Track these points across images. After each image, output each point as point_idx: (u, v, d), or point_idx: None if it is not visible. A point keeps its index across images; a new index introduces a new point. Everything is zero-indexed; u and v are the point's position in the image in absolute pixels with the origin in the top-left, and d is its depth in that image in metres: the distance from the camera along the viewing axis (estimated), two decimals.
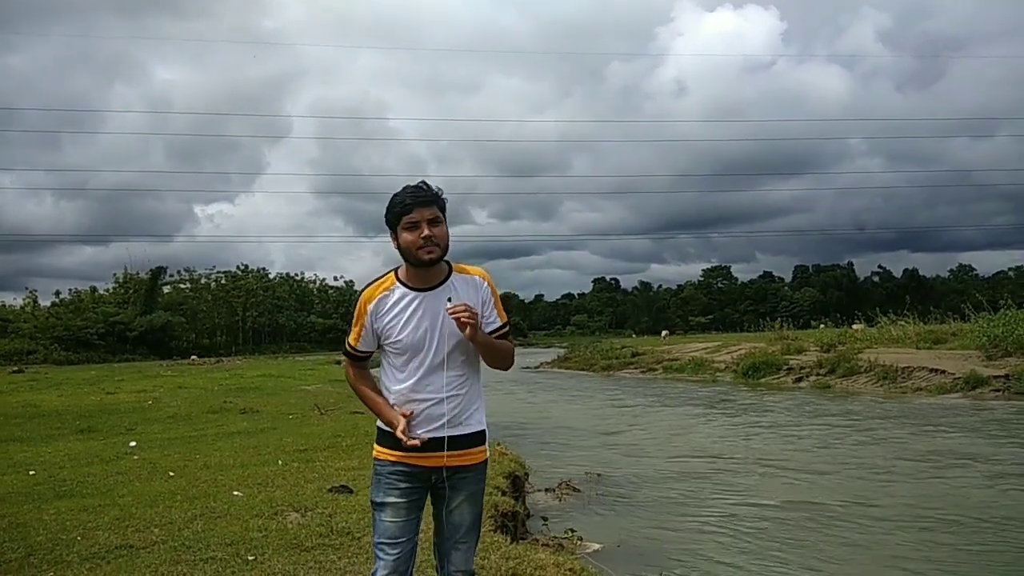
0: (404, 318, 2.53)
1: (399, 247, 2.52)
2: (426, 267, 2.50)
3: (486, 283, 2.62)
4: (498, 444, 8.96)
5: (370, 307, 2.57)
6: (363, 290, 2.62)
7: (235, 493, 6.02)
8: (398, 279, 2.58)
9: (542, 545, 5.20)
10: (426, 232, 2.45)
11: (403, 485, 2.53)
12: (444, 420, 2.53)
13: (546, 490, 7.88)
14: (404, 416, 2.50)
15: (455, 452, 2.54)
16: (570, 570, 4.19)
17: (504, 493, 6.24)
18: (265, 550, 4.44)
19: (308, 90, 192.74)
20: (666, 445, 11.31)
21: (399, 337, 2.53)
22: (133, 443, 9.21)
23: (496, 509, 5.60)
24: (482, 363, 2.66)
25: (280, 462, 7.44)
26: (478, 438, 2.62)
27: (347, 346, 2.67)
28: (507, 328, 2.65)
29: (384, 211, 2.54)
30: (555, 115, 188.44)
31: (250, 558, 4.29)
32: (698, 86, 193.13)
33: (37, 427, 11.25)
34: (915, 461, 9.28)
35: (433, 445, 2.51)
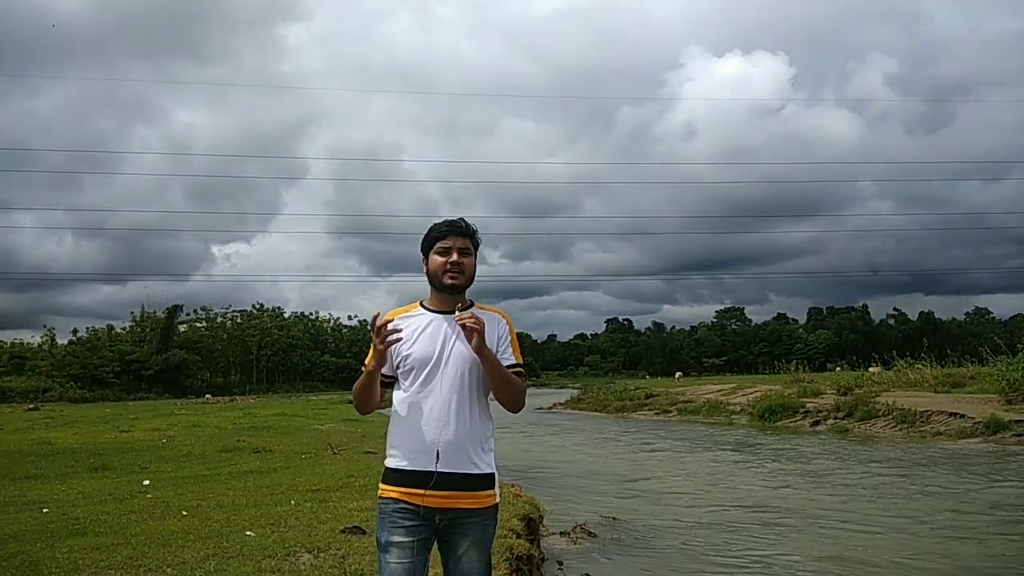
0: (417, 334, 2.58)
1: (427, 272, 2.63)
2: (449, 292, 2.58)
3: (505, 321, 2.66)
4: (512, 485, 8.88)
5: (389, 326, 2.58)
6: (386, 313, 2.68)
7: (248, 533, 5.99)
8: (421, 305, 2.69)
9: None
10: (455, 258, 2.57)
11: (407, 523, 2.48)
12: (441, 451, 2.47)
13: (561, 534, 7.77)
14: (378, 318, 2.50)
15: (453, 492, 2.48)
16: None
17: (519, 536, 6.16)
18: None
19: (324, 132, 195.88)
20: (684, 489, 11.16)
21: (408, 351, 2.55)
22: (147, 482, 9.19)
23: (511, 552, 5.53)
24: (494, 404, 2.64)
25: (293, 502, 7.40)
26: (487, 480, 2.55)
27: (362, 367, 2.64)
28: (520, 368, 2.64)
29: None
30: (566, 157, 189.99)
31: None
32: (708, 130, 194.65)
33: (51, 465, 11.25)
34: (971, 514, 8.86)
35: (441, 482, 2.47)
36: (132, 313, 77.77)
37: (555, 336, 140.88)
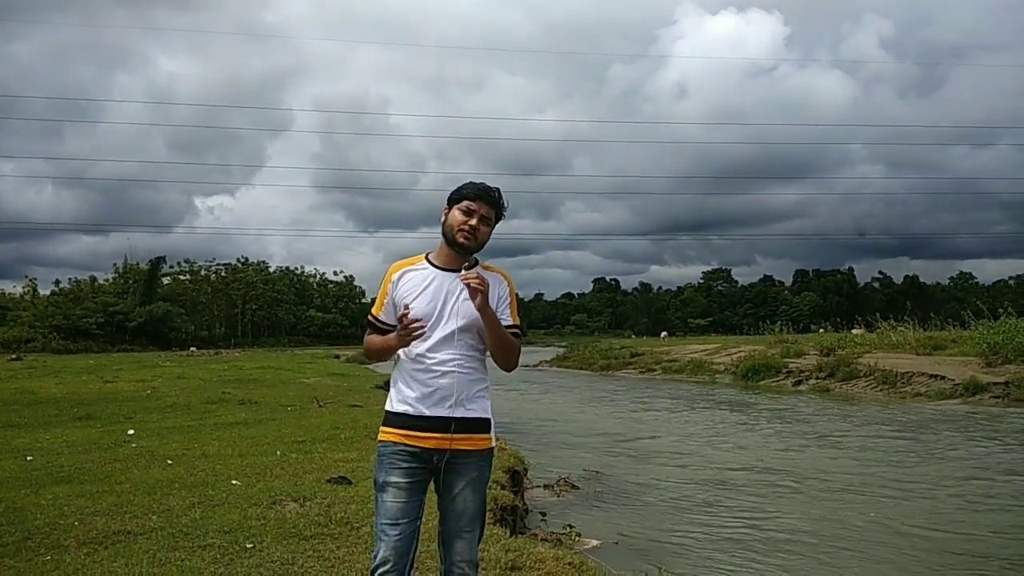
0: (421, 288, 2.66)
1: (444, 221, 2.69)
2: (457, 250, 2.65)
3: (506, 282, 2.76)
4: (497, 439, 8.94)
5: (394, 276, 2.71)
6: (392, 264, 2.77)
7: (233, 482, 6.01)
8: (427, 259, 2.74)
9: (541, 540, 5.19)
10: (474, 222, 2.64)
11: (405, 465, 2.56)
12: (451, 398, 2.58)
13: (544, 486, 7.87)
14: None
15: (460, 435, 2.58)
16: (569, 564, 4.17)
17: (503, 487, 6.22)
18: (263, 538, 4.42)
19: (310, 84, 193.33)
20: (666, 444, 11.30)
21: (413, 305, 2.62)
22: (131, 431, 9.18)
23: (496, 503, 5.58)
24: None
25: (279, 452, 7.43)
26: (483, 424, 2.65)
27: (369, 316, 2.78)
28: (517, 329, 2.72)
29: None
30: (556, 115, 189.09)
31: (248, 546, 4.28)
32: (699, 89, 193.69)
33: (35, 414, 11.22)
34: (952, 478, 9.08)
35: (439, 425, 2.56)
36: (115, 264, 77.13)
37: (542, 295, 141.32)
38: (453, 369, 2.59)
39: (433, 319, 2.61)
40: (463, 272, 2.57)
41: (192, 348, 53.95)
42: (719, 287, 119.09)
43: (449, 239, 2.66)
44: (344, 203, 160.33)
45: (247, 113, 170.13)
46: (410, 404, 2.60)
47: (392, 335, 2.65)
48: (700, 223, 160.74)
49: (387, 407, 2.68)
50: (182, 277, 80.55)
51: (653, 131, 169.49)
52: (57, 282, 74.03)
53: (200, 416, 11.07)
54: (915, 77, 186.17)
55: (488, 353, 2.69)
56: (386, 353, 2.72)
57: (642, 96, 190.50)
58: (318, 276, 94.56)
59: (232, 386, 16.82)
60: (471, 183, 2.71)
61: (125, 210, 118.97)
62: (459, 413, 2.58)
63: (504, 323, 2.66)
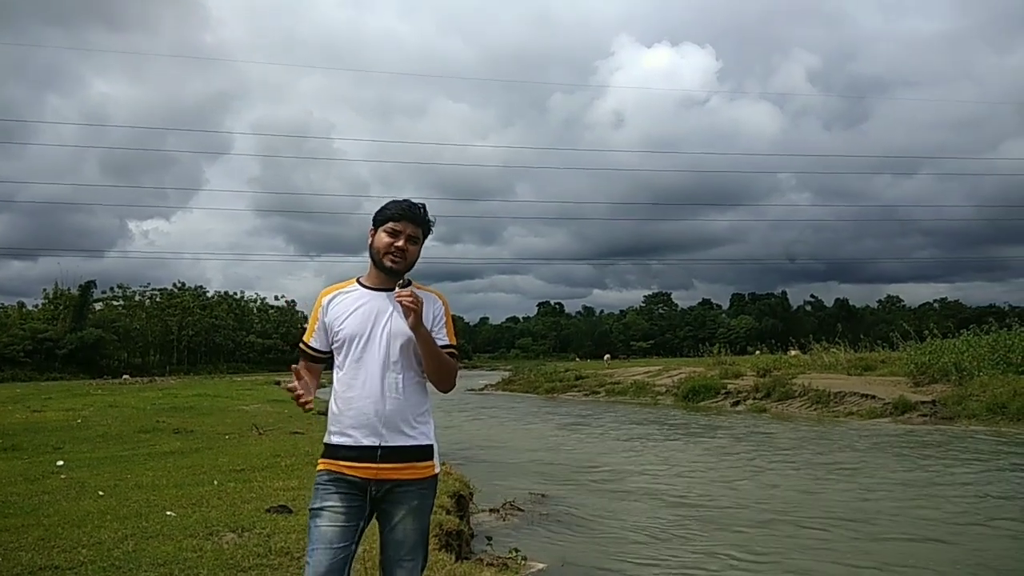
0: (352, 309, 2.61)
1: (371, 245, 2.64)
2: (386, 273, 2.61)
3: (441, 302, 2.69)
4: (443, 463, 8.88)
5: (324, 300, 2.67)
6: (322, 290, 2.73)
7: (168, 513, 5.83)
8: (358, 282, 2.70)
9: (487, 564, 5.16)
10: (400, 243, 2.59)
11: (342, 491, 2.50)
12: (380, 425, 2.51)
13: (490, 510, 7.83)
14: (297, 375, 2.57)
15: (392, 465, 2.51)
16: None
17: (448, 512, 6.19)
18: (199, 570, 4.30)
19: (250, 108, 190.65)
20: (610, 466, 11.38)
21: (344, 326, 2.58)
22: (60, 462, 8.83)
23: (441, 528, 5.55)
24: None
25: (216, 482, 7.24)
26: (423, 452, 2.57)
27: (301, 345, 2.72)
28: (454, 349, 2.68)
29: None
30: (498, 141, 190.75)
31: None
32: (636, 119, 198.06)
33: None
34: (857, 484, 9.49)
35: (367, 455, 2.50)
36: (44, 290, 74.31)
37: (487, 319, 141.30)
38: (388, 394, 2.53)
39: (365, 339, 2.56)
40: (397, 290, 2.52)
41: (125, 376, 52.14)
42: (660, 310, 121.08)
43: (377, 262, 2.62)
44: (284, 227, 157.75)
45: (184, 136, 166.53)
46: (344, 434, 2.53)
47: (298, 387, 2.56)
48: (639, 248, 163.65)
49: (325, 439, 2.61)
50: (115, 303, 78.05)
51: (592, 158, 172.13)
52: None
53: (133, 446, 10.72)
54: (841, 109, 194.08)
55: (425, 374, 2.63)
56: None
57: (582, 124, 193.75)
58: (258, 301, 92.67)
59: (167, 414, 16.34)
60: (394, 202, 2.64)
61: (56, 234, 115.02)
62: (394, 441, 2.52)
63: (440, 343, 2.60)
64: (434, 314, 2.63)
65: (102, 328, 67.98)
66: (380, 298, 2.60)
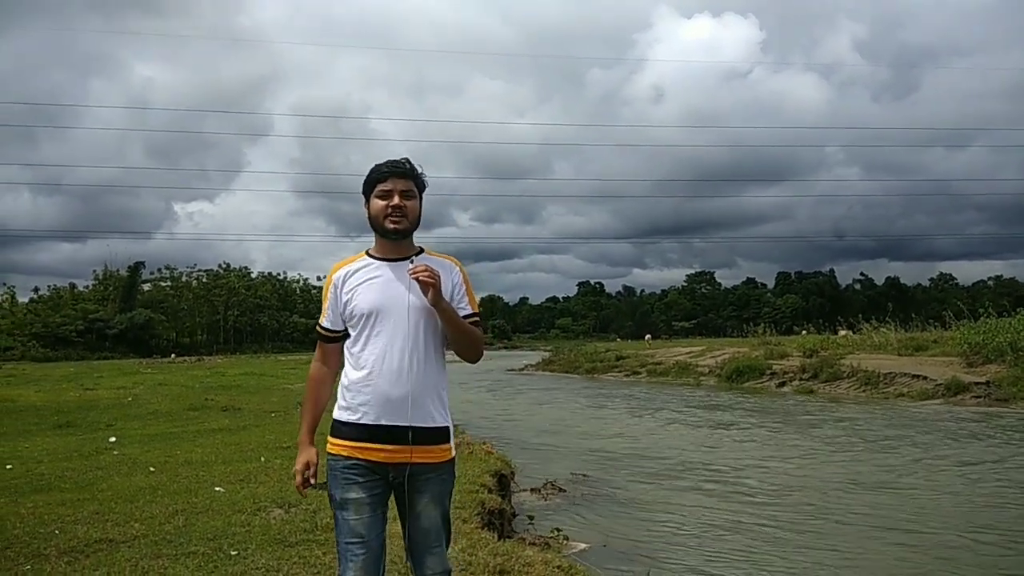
0: (367, 284, 2.45)
1: (369, 217, 2.48)
2: (392, 237, 2.46)
3: (458, 269, 2.54)
4: (484, 443, 8.91)
5: (335, 276, 2.52)
6: (332, 267, 2.58)
7: (217, 489, 5.94)
8: (368, 254, 2.54)
9: (528, 544, 5.15)
10: (396, 201, 2.42)
11: (361, 479, 2.36)
12: (408, 406, 2.35)
13: (532, 490, 7.83)
14: (310, 462, 2.47)
15: (422, 447, 2.37)
16: (558, 567, 4.14)
17: (491, 491, 6.19)
18: (248, 545, 4.36)
19: (288, 89, 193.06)
20: (652, 447, 11.30)
21: (359, 301, 2.43)
22: (113, 439, 9.08)
23: (483, 507, 5.55)
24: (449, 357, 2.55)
25: (263, 459, 7.36)
26: (442, 434, 2.44)
27: (317, 327, 2.60)
28: (477, 318, 2.53)
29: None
30: (536, 119, 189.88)
31: (232, 553, 4.22)
32: (676, 93, 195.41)
33: (14, 422, 11.06)
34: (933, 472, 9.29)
35: (396, 436, 2.36)
36: (95, 271, 76.53)
37: (527, 299, 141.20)
38: (408, 372, 2.37)
39: (382, 316, 2.40)
40: (411, 266, 2.36)
41: (173, 355, 53.47)
42: (702, 290, 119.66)
43: (380, 230, 2.45)
44: (325, 208, 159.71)
45: (225, 118, 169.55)
46: (361, 412, 2.38)
47: (305, 433, 2.52)
48: (680, 226, 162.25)
49: (335, 414, 2.46)
50: (163, 283, 79.88)
51: (632, 135, 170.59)
52: (36, 289, 73.38)
53: (182, 423, 10.97)
54: (889, 80, 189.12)
55: (448, 348, 2.50)
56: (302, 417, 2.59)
57: (620, 100, 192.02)
58: (301, 281, 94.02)
59: (215, 392, 16.69)
60: (375, 166, 2.49)
61: (103, 217, 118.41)
62: (422, 422, 2.38)
63: (462, 313, 2.45)
64: (453, 283, 2.48)
65: (151, 308, 69.72)
66: (394, 268, 2.44)
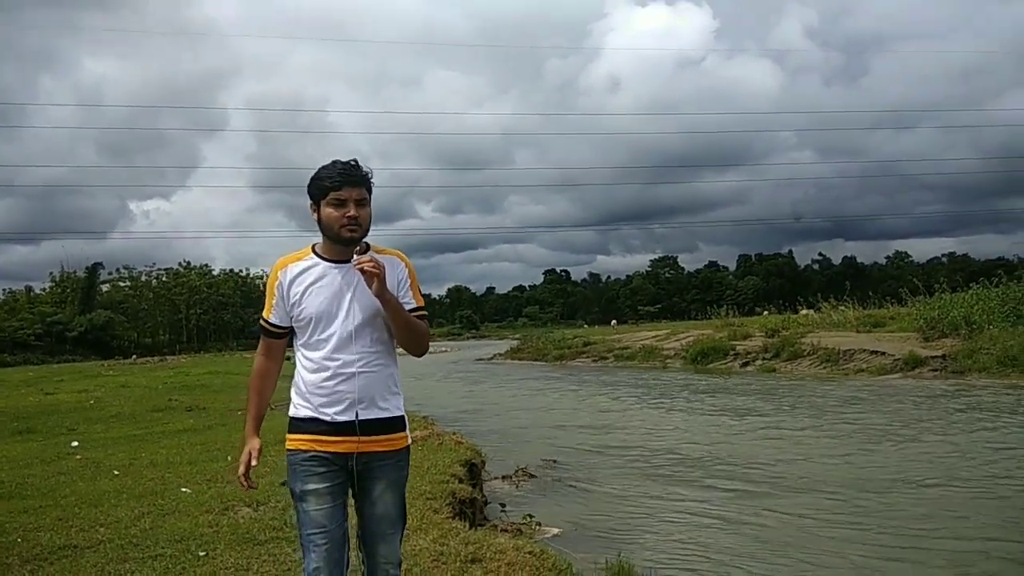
0: (315, 286, 2.49)
1: (319, 221, 2.49)
2: (346, 245, 2.48)
3: (403, 264, 2.58)
4: (454, 433, 8.92)
5: (280, 273, 2.54)
6: (277, 261, 2.59)
7: (183, 490, 5.88)
8: (314, 252, 2.55)
9: (501, 531, 5.19)
10: (352, 212, 2.44)
11: (321, 470, 2.43)
12: (354, 399, 2.44)
13: (503, 477, 7.87)
14: (252, 451, 2.55)
15: (369, 437, 2.45)
16: (530, 553, 4.18)
17: (461, 480, 6.21)
18: (216, 545, 4.33)
19: (243, 84, 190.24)
20: (620, 432, 11.42)
21: (306, 305, 2.48)
22: (75, 443, 8.91)
23: (454, 496, 5.57)
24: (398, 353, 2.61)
25: (229, 458, 7.27)
26: (396, 423, 2.53)
27: (261, 321, 2.62)
28: (423, 311, 2.59)
29: (308, 185, 2.51)
30: (495, 109, 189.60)
31: (201, 554, 4.19)
32: (632, 81, 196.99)
33: None
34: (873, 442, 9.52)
35: (344, 428, 2.44)
36: (51, 273, 74.65)
37: (493, 288, 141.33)
38: (359, 370, 2.45)
39: (332, 318, 2.46)
40: (356, 257, 2.41)
41: (134, 356, 52.51)
42: (666, 274, 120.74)
43: (333, 237, 2.47)
44: (284, 203, 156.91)
45: (179, 114, 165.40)
46: (317, 410, 2.45)
47: (251, 428, 2.62)
48: (642, 212, 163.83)
49: (291, 412, 2.53)
50: (122, 284, 78.30)
51: (590, 123, 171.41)
52: None
53: (146, 425, 10.81)
54: (840, 65, 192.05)
55: (395, 342, 2.55)
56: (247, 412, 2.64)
57: (577, 89, 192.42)
58: (264, 277, 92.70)
59: (178, 393, 16.46)
60: (325, 169, 2.47)
61: (57, 217, 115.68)
62: (369, 415, 2.46)
63: (408, 307, 2.51)
64: (398, 278, 2.53)
65: (111, 309, 68.32)
66: (341, 270, 2.48)
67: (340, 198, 2.43)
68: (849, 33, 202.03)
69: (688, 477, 7.89)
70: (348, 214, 2.43)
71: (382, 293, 2.40)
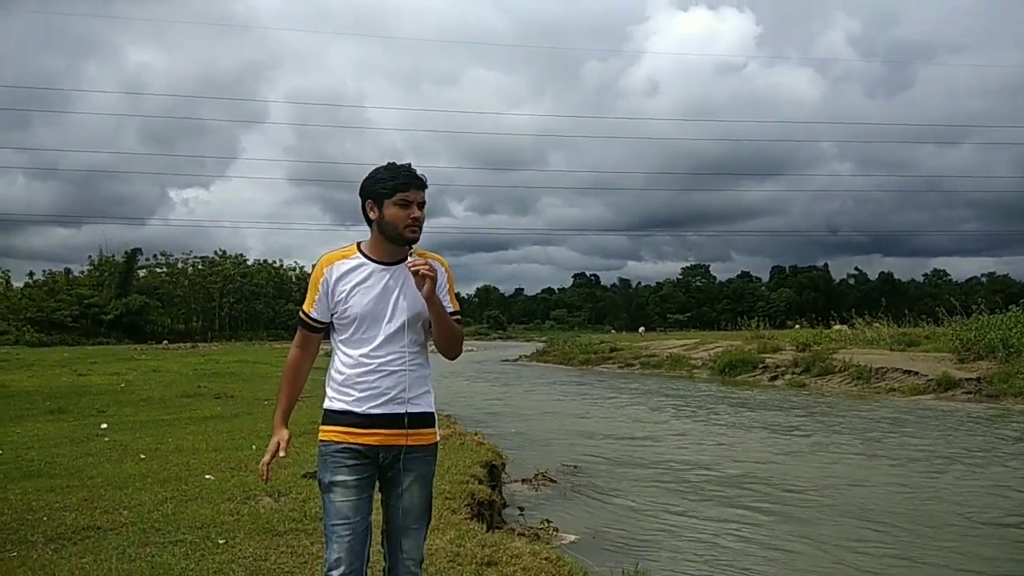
0: (362, 286, 2.52)
1: (380, 220, 2.51)
2: (402, 244, 2.52)
3: (444, 268, 2.62)
4: (475, 433, 8.93)
5: (327, 270, 2.56)
6: (322, 256, 2.61)
7: (207, 477, 5.95)
8: (360, 250, 2.58)
9: (518, 535, 5.17)
10: (417, 213, 2.50)
11: (351, 463, 2.48)
12: (391, 395, 2.49)
13: (522, 480, 7.85)
14: (280, 441, 2.57)
15: (402, 431, 2.50)
16: (546, 559, 4.16)
17: (481, 482, 6.20)
18: (236, 534, 4.37)
19: (283, 77, 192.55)
20: (644, 440, 11.33)
21: (351, 304, 2.51)
22: (104, 425, 9.06)
23: (472, 497, 5.57)
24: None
25: (254, 447, 7.36)
26: (428, 419, 2.59)
27: (300, 314, 2.64)
28: (458, 316, 2.64)
29: (365, 184, 2.54)
30: (531, 110, 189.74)
31: (221, 541, 4.23)
32: (671, 86, 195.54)
33: (5, 407, 11.03)
34: (906, 463, 9.33)
35: (378, 422, 2.48)
36: (90, 257, 76.11)
37: (522, 290, 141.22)
38: (400, 368, 2.50)
39: (376, 319, 2.51)
40: (410, 259, 2.46)
41: (165, 341, 53.34)
42: (697, 283, 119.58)
43: (394, 237, 2.51)
44: (320, 196, 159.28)
45: (220, 104, 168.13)
46: (350, 403, 2.50)
47: (280, 420, 2.62)
48: (675, 219, 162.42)
49: (326, 405, 2.57)
50: (158, 270, 79.54)
51: (627, 127, 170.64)
52: (31, 274, 72.91)
53: (174, 410, 10.96)
54: (883, 76, 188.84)
55: (431, 343, 2.60)
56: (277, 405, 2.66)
57: (615, 92, 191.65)
58: (297, 269, 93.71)
59: (208, 380, 16.68)
60: (387, 170, 2.53)
61: (98, 202, 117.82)
62: (402, 409, 2.51)
63: (447, 310, 2.55)
64: (440, 282, 2.58)
65: (146, 295, 69.48)
66: (388, 272, 2.53)
67: (407, 199, 2.49)
68: (894, 44, 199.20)
69: (719, 495, 7.61)
70: (413, 215, 2.49)
71: (431, 296, 2.45)
